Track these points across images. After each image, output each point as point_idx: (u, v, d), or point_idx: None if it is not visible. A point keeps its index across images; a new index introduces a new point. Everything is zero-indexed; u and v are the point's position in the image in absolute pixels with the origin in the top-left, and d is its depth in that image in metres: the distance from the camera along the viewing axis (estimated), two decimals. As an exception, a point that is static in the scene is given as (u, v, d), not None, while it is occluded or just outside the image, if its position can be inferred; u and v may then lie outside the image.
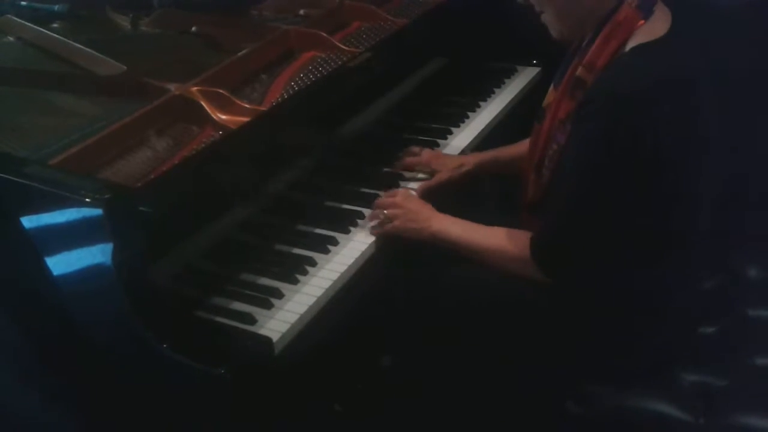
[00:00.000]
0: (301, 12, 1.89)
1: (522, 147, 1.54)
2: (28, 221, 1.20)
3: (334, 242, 1.38)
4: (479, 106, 1.86)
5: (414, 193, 1.53)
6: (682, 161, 1.21)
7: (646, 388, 1.29)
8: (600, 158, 1.18)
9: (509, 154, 1.64)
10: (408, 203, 1.44)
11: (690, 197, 1.27)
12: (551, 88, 1.37)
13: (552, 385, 1.34)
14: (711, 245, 1.38)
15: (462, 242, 1.37)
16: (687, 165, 1.22)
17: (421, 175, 1.61)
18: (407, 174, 1.61)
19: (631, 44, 1.20)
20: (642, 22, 1.19)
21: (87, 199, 1.07)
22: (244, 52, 1.60)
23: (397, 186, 1.57)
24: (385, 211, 1.42)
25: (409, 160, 1.63)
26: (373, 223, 1.43)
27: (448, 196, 1.58)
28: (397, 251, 1.44)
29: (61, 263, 1.17)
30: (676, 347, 1.34)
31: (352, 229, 1.42)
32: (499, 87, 1.94)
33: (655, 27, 1.20)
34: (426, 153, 1.64)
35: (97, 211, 1.05)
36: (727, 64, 1.67)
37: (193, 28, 1.79)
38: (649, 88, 1.15)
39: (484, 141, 1.76)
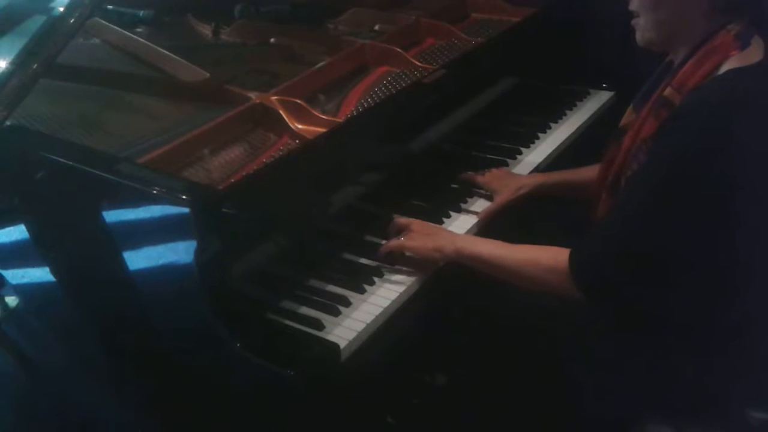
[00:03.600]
0: (377, 27, 1.92)
1: (592, 171, 1.52)
2: (111, 216, 1.24)
3: (402, 254, 1.39)
4: (550, 127, 1.85)
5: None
6: (758, 191, 1.17)
7: (711, 426, 1.25)
8: (671, 171, 1.15)
9: (577, 177, 1.59)
10: (425, 226, 1.40)
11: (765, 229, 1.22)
12: (630, 108, 1.36)
13: (612, 419, 1.30)
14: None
15: (489, 257, 1.31)
16: (762, 196, 1.18)
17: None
18: (470, 194, 1.59)
19: (724, 68, 1.18)
20: (736, 52, 1.18)
21: (176, 198, 1.10)
22: (320, 64, 1.64)
23: (463, 202, 1.57)
24: (401, 236, 1.38)
25: (471, 175, 1.62)
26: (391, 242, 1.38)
27: (505, 218, 1.55)
28: (461, 269, 1.43)
29: (141, 259, 1.21)
30: (744, 383, 1.30)
31: (419, 242, 1.43)
32: (571, 109, 1.93)
33: (749, 54, 1.19)
34: (489, 172, 1.62)
35: (185, 210, 1.09)
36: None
37: (272, 39, 1.84)
38: (739, 107, 1.13)
39: (553, 162, 1.75)
